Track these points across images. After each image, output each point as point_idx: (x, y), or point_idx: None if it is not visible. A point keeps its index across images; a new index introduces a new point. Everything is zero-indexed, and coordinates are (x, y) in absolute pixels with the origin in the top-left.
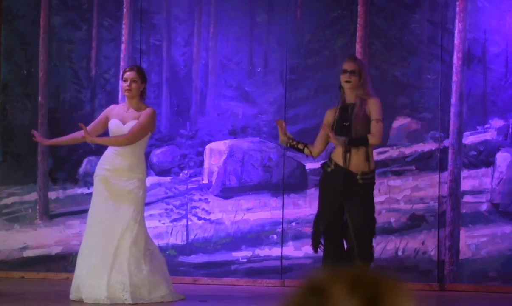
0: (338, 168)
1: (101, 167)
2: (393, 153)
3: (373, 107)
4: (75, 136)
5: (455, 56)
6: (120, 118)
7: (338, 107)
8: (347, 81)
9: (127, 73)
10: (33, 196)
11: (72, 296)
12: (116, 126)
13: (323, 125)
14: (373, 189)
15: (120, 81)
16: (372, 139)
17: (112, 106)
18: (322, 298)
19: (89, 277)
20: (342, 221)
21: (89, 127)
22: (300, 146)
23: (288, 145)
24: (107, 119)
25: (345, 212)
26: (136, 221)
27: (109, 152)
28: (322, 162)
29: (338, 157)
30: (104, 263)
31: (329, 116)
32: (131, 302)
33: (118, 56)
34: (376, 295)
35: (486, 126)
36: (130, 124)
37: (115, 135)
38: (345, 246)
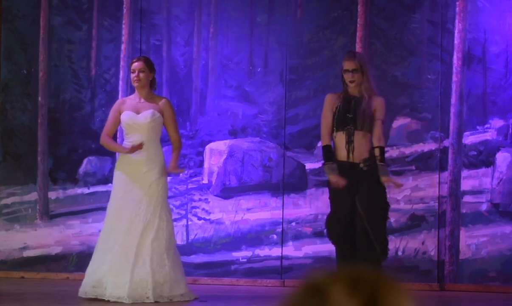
0: (340, 165)
1: (122, 161)
2: (393, 152)
3: (380, 107)
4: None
5: (455, 56)
6: (133, 109)
7: (341, 97)
8: (351, 81)
9: (135, 64)
10: (33, 196)
11: (86, 291)
12: (129, 118)
13: (325, 115)
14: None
15: (121, 81)
16: (382, 141)
17: (122, 100)
18: (322, 298)
19: (111, 274)
20: (354, 226)
21: (105, 131)
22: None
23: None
24: (119, 114)
25: (357, 202)
26: (155, 216)
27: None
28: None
29: (339, 153)
30: (125, 260)
31: (332, 101)
32: (152, 301)
33: (118, 56)
34: (376, 295)
35: (486, 126)
36: (145, 114)
37: (131, 127)
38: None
